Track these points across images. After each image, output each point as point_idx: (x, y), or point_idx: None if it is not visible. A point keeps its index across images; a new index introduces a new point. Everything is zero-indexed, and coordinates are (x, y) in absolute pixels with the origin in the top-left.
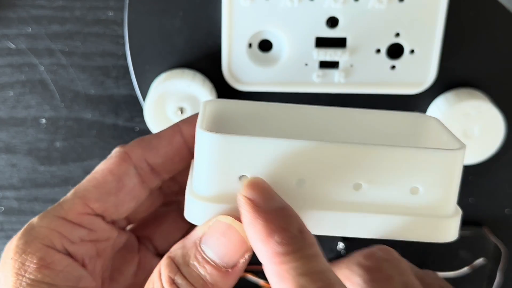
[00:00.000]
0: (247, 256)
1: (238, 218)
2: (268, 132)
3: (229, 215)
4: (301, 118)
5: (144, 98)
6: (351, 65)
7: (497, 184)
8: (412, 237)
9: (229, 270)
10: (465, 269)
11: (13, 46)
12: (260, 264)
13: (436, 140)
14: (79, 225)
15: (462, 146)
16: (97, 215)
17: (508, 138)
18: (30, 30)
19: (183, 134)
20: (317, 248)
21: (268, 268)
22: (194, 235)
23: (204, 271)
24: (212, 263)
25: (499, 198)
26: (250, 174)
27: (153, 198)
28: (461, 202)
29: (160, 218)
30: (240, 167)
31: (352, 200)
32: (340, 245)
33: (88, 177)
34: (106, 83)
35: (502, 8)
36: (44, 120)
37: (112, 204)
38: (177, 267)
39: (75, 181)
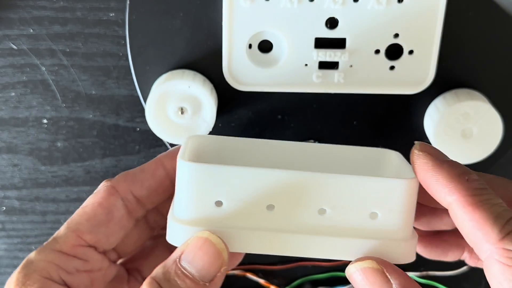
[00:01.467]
0: (222, 270)
1: (213, 232)
2: (244, 164)
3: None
4: (276, 152)
5: (145, 99)
6: (351, 66)
7: None
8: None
9: (207, 284)
10: (464, 268)
11: (14, 46)
12: (260, 263)
13: (395, 171)
14: (74, 257)
15: (416, 178)
16: (90, 246)
17: (506, 139)
18: (31, 30)
19: (165, 167)
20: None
21: (462, 200)
22: (174, 255)
23: (184, 285)
24: (192, 276)
25: None
26: (224, 199)
27: (141, 231)
28: None
29: (148, 251)
30: (215, 193)
31: (317, 224)
32: None
33: (79, 211)
34: (107, 84)
35: (500, 9)
36: (45, 120)
37: (103, 235)
38: (159, 284)
39: (76, 181)
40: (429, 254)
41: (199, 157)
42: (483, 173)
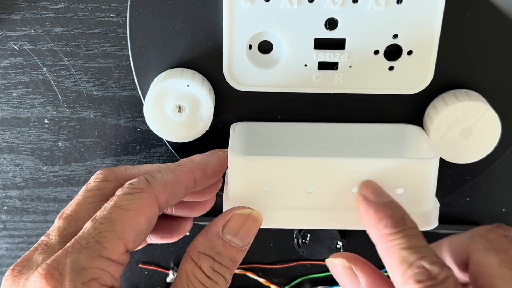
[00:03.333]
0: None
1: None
2: (284, 147)
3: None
4: (307, 133)
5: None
6: (350, 66)
7: (493, 184)
8: None
9: (245, 247)
10: None
11: (16, 47)
12: (260, 263)
13: (416, 147)
14: (120, 264)
15: (436, 156)
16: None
17: (504, 139)
18: (33, 31)
19: (196, 179)
20: (417, 230)
21: (378, 246)
22: (214, 229)
23: (232, 253)
24: (237, 246)
25: (496, 197)
26: (269, 185)
27: None
28: (458, 201)
29: None
30: (261, 181)
31: (349, 201)
32: (339, 244)
33: (122, 214)
34: (108, 84)
35: (499, 10)
36: (47, 121)
37: (139, 242)
38: (211, 257)
39: (77, 181)
40: None
41: (246, 143)
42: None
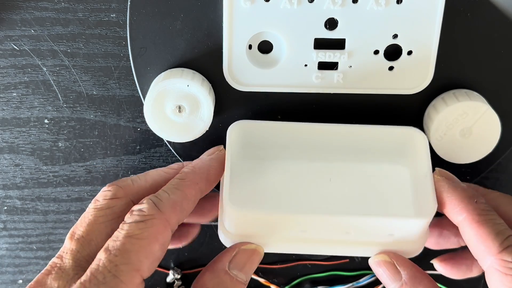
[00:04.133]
0: None
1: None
2: (277, 148)
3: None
4: (309, 134)
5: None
6: (350, 66)
7: (493, 184)
8: None
9: (248, 281)
10: None
11: (16, 47)
12: (260, 263)
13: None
14: None
15: (431, 212)
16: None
17: (504, 139)
18: (33, 31)
19: (201, 191)
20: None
21: (471, 218)
22: (221, 265)
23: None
24: (242, 281)
25: None
26: (264, 232)
27: None
28: None
29: None
30: (257, 228)
31: (343, 240)
32: None
33: (135, 244)
34: (108, 84)
35: (498, 10)
36: (47, 121)
37: (154, 267)
38: None
39: (77, 181)
40: (456, 273)
41: (243, 146)
42: (491, 190)
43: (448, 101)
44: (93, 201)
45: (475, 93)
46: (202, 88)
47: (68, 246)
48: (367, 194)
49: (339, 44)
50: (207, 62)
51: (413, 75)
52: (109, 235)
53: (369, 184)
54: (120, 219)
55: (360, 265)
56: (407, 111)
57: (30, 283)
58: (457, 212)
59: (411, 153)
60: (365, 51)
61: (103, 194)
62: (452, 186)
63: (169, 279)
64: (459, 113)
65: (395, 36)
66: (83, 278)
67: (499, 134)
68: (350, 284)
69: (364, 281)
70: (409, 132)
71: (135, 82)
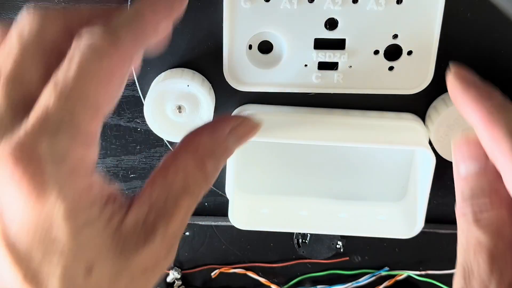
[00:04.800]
0: None
1: None
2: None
3: None
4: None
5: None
6: (350, 66)
7: None
8: None
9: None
10: None
11: None
12: (260, 262)
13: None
14: (96, 141)
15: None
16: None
17: None
18: None
19: (168, 20)
20: None
21: (482, 119)
22: (221, 131)
23: (229, 155)
24: (232, 151)
25: None
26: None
27: None
28: None
29: None
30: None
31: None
32: (339, 244)
33: (92, 80)
34: None
35: (499, 10)
36: None
37: (114, 106)
38: (214, 160)
39: None
40: None
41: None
42: None
43: (448, 102)
44: (14, 30)
45: None
46: (202, 88)
47: None
48: (360, 179)
49: (339, 44)
50: (207, 62)
51: (413, 75)
52: (43, 73)
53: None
54: (53, 52)
55: (359, 264)
56: (407, 111)
57: None
58: (470, 112)
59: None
60: (365, 51)
61: (29, 20)
62: (465, 85)
63: (169, 279)
64: (459, 114)
65: (395, 36)
66: (29, 122)
67: None
68: (349, 284)
69: (363, 280)
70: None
71: (135, 82)
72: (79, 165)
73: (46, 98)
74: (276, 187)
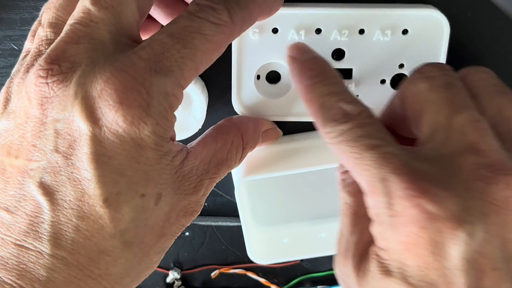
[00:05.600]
0: None
1: None
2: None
3: None
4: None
5: None
6: (357, 95)
7: None
8: None
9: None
10: None
11: (16, 47)
12: None
13: None
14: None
15: None
16: None
17: None
18: None
19: (260, 15)
20: (338, 79)
21: (303, 97)
22: (261, 128)
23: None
24: (255, 146)
25: None
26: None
27: None
28: None
29: None
30: None
31: None
32: None
33: (204, 44)
34: None
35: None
36: None
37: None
38: (249, 148)
39: None
40: None
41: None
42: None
43: None
44: None
45: None
46: (195, 86)
47: (96, 14)
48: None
49: (346, 74)
50: (215, 92)
51: None
52: (138, 9)
53: None
54: None
55: None
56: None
57: (32, 58)
58: (299, 94)
59: None
60: (371, 80)
61: None
62: (292, 66)
63: (169, 279)
64: None
65: (401, 65)
66: (142, 53)
67: None
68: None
69: None
70: None
71: None
72: (172, 105)
73: (161, 42)
74: (291, 215)
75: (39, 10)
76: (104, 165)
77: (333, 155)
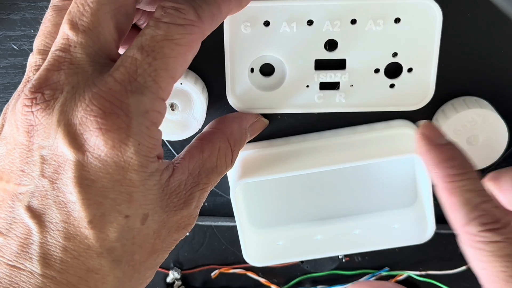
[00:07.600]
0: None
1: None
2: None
3: None
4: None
5: None
6: (351, 86)
7: None
8: None
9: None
10: (463, 267)
11: (16, 47)
12: None
13: None
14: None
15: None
16: None
17: (511, 146)
18: (32, 31)
19: (231, 11)
20: (477, 174)
21: (441, 186)
22: (245, 123)
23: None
24: (246, 141)
25: None
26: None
27: None
28: None
29: None
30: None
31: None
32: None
33: (174, 50)
34: None
35: (500, 18)
36: None
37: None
38: (238, 145)
39: None
40: None
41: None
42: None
43: (458, 107)
44: None
45: (485, 101)
46: (195, 86)
47: (74, 39)
48: (368, 192)
49: (339, 64)
50: (210, 86)
51: (415, 92)
52: (116, 28)
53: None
54: (127, 8)
55: (360, 264)
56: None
57: (23, 85)
58: (433, 178)
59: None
60: (365, 70)
61: None
62: (427, 147)
63: (169, 279)
64: (468, 120)
65: (394, 54)
66: (117, 75)
67: (506, 143)
68: (349, 284)
69: (364, 280)
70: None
71: None
72: (155, 121)
73: (133, 59)
74: (287, 217)
75: (39, 10)
76: (87, 189)
77: (328, 157)
